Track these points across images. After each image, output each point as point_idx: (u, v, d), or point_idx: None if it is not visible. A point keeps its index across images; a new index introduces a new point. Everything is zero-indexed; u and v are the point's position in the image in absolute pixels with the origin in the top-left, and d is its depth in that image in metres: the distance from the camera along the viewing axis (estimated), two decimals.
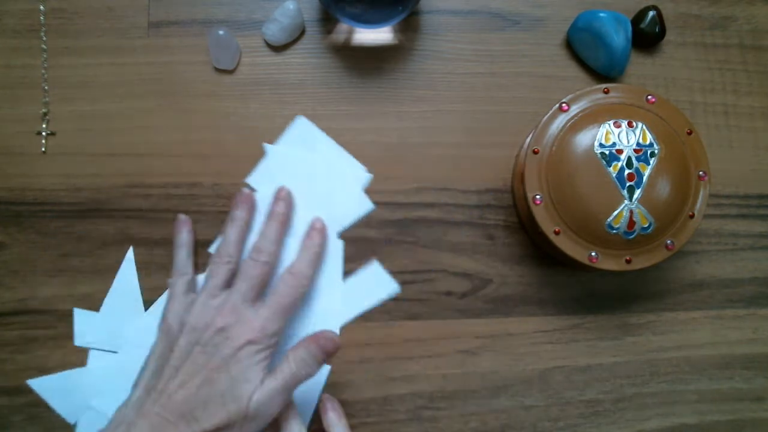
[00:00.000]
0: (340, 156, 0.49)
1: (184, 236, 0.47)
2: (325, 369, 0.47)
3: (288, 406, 0.42)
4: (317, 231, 0.47)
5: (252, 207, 0.47)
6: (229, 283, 0.44)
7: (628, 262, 0.43)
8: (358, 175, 0.49)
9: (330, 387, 0.48)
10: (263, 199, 0.48)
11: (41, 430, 0.47)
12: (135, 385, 0.41)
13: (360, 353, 0.48)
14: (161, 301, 0.48)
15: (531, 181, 0.44)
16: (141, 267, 0.49)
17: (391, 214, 0.50)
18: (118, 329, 0.48)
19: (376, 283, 0.48)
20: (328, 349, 0.42)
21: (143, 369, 0.42)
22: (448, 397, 0.48)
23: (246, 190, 0.47)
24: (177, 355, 0.41)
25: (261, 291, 0.44)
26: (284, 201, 0.47)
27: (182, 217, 0.48)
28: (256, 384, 0.40)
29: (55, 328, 0.48)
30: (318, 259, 0.47)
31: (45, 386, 0.47)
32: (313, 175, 0.49)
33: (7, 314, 0.48)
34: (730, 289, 0.50)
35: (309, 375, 0.42)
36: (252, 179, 0.49)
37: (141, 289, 0.48)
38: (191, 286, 0.46)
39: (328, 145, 0.50)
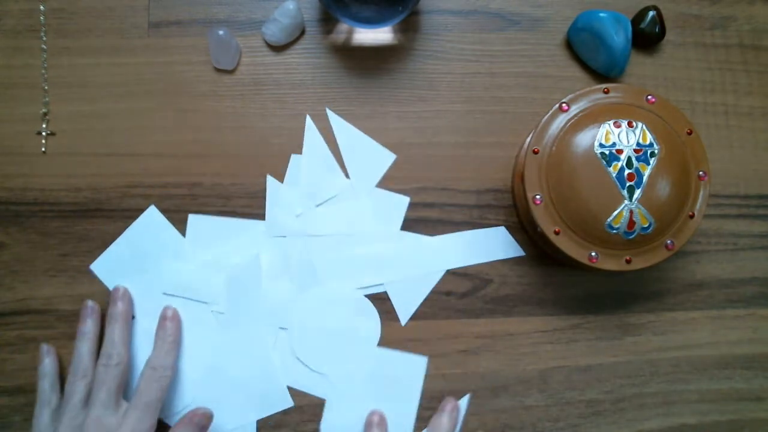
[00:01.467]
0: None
1: (47, 366, 0.46)
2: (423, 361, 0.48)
3: None
4: (169, 320, 0.47)
5: (98, 318, 0.47)
6: (88, 398, 0.43)
7: (628, 262, 0.43)
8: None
9: None
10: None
11: None
12: None
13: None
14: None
15: (531, 181, 0.44)
16: None
17: None
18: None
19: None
20: (204, 425, 0.43)
21: None
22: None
23: (89, 303, 0.47)
24: None
25: (121, 394, 0.44)
26: (121, 300, 0.47)
27: (44, 347, 0.47)
28: None
29: (55, 328, 0.48)
30: (176, 346, 0.46)
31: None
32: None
33: (7, 314, 0.48)
34: (730, 289, 0.50)
35: None
36: (96, 266, 0.48)
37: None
38: (56, 416, 0.44)
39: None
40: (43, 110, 0.50)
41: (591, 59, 0.51)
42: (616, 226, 0.42)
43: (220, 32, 0.49)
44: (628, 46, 0.49)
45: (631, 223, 0.42)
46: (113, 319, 0.46)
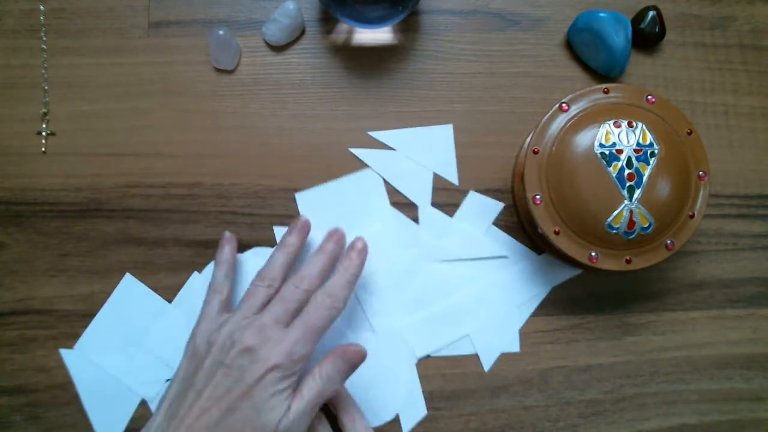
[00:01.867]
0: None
1: (226, 253, 0.46)
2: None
3: (316, 418, 0.41)
4: (356, 251, 0.45)
5: (305, 236, 0.46)
6: (265, 305, 0.43)
7: (628, 262, 0.43)
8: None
9: None
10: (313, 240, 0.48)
11: (41, 430, 0.47)
12: (158, 408, 0.41)
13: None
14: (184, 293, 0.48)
15: (531, 181, 0.44)
16: (141, 267, 0.49)
17: None
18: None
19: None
20: (355, 363, 0.41)
21: (167, 391, 0.41)
22: (448, 397, 0.48)
23: (303, 218, 0.47)
24: (201, 378, 0.40)
25: (294, 317, 0.42)
26: (335, 242, 0.45)
27: (227, 234, 0.47)
28: (281, 411, 0.39)
29: (55, 328, 0.48)
30: (355, 281, 0.44)
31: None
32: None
33: (7, 314, 0.48)
34: (730, 289, 0.50)
35: (334, 390, 0.41)
36: (80, 343, 0.48)
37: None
38: (225, 306, 0.44)
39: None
40: (43, 110, 0.50)
41: (591, 59, 0.51)
42: (616, 226, 0.42)
43: (220, 32, 0.49)
44: (628, 46, 0.49)
45: (631, 223, 0.42)
46: (322, 252, 0.45)
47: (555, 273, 0.49)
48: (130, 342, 0.47)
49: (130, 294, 0.48)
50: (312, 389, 0.40)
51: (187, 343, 0.43)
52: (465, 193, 0.50)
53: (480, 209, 0.49)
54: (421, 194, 0.49)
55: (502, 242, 0.49)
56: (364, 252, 0.45)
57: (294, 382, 0.40)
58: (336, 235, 0.46)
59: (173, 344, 0.46)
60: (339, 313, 0.42)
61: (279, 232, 0.49)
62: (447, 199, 0.50)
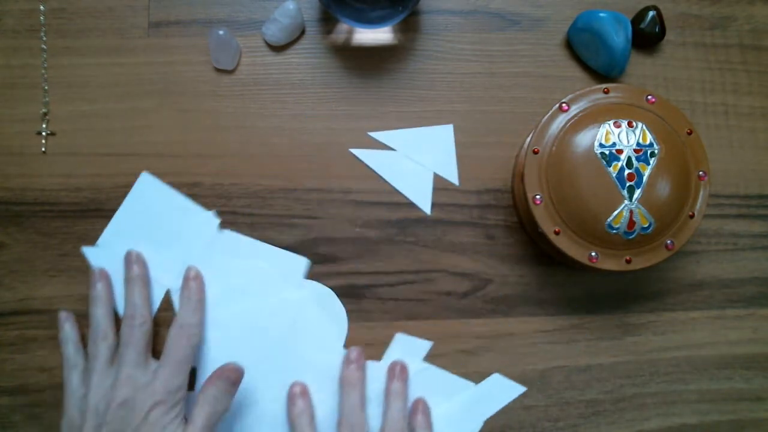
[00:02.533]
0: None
1: (67, 331, 0.46)
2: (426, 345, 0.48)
3: None
4: (192, 279, 0.46)
5: (109, 281, 0.47)
6: (113, 359, 0.44)
7: (628, 262, 0.43)
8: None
9: None
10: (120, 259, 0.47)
11: (41, 430, 0.47)
12: None
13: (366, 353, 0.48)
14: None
15: (531, 181, 0.44)
16: None
17: (391, 214, 0.50)
18: None
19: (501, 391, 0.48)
20: (235, 380, 0.43)
21: None
22: None
23: (96, 270, 0.47)
24: None
25: (149, 353, 0.44)
26: (136, 263, 0.47)
27: (62, 314, 0.47)
28: None
29: (55, 328, 0.48)
30: (201, 305, 0.46)
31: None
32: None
33: (7, 314, 0.48)
34: (730, 289, 0.50)
35: (225, 409, 0.43)
36: (102, 240, 0.48)
37: None
38: (84, 378, 0.44)
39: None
40: (43, 110, 0.50)
41: (591, 59, 0.51)
42: (616, 226, 0.42)
43: (220, 32, 0.49)
44: (628, 46, 0.49)
45: (631, 223, 0.42)
46: (131, 281, 0.46)
47: (490, 402, 0.48)
48: (151, 237, 0.48)
49: (148, 191, 0.49)
50: (201, 414, 0.41)
51: (61, 423, 0.43)
52: (465, 193, 0.50)
53: (408, 350, 0.48)
54: (421, 195, 0.49)
55: (435, 380, 0.48)
56: (199, 277, 0.47)
57: (179, 411, 0.42)
58: (131, 258, 0.47)
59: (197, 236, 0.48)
60: (198, 338, 0.44)
61: (145, 178, 0.49)
62: (447, 199, 0.50)
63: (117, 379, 0.42)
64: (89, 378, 0.43)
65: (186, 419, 0.42)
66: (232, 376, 0.43)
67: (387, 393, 0.46)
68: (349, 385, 0.45)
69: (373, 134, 0.50)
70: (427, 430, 0.45)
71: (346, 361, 0.46)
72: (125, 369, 0.42)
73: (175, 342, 0.43)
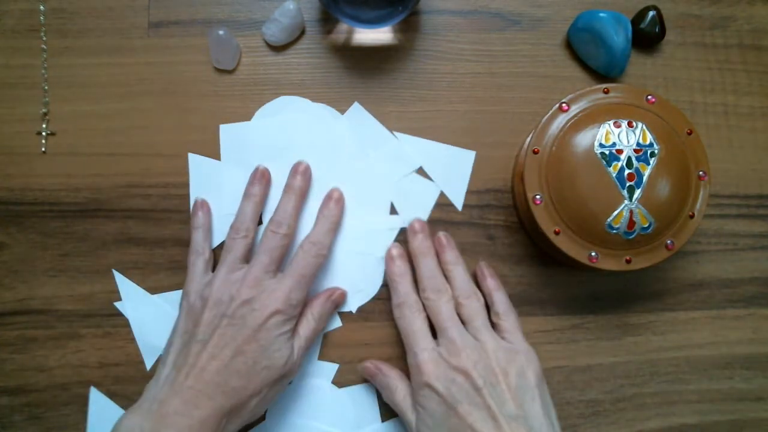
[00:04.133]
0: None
1: (200, 218, 0.47)
2: None
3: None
4: (334, 201, 0.47)
5: (267, 183, 0.48)
6: (247, 256, 0.45)
7: (628, 262, 0.43)
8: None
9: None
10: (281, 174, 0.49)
11: (41, 430, 0.47)
12: (162, 364, 0.42)
13: (361, 353, 0.48)
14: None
15: (531, 181, 0.44)
16: (141, 267, 0.49)
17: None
18: None
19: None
20: (339, 303, 0.48)
21: (167, 348, 0.43)
22: None
23: (261, 167, 0.48)
24: (203, 329, 0.42)
25: (281, 263, 0.45)
26: (302, 175, 0.48)
27: (199, 199, 0.48)
28: (287, 351, 0.43)
29: (55, 328, 0.48)
30: (336, 228, 0.47)
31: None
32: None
33: (7, 314, 0.48)
34: (730, 289, 0.50)
35: (324, 328, 0.47)
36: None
37: (141, 289, 0.48)
38: (209, 266, 0.46)
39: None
40: (43, 110, 0.50)
41: (591, 59, 0.51)
42: (616, 226, 0.42)
43: (220, 32, 0.49)
44: (628, 46, 0.49)
45: (631, 223, 0.42)
46: (291, 191, 0.47)
47: None
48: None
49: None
50: (307, 329, 0.45)
51: (181, 302, 0.45)
52: (465, 193, 0.50)
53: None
54: (421, 207, 0.49)
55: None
56: (341, 201, 0.48)
57: (293, 323, 0.44)
58: (300, 169, 0.48)
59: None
60: (325, 259, 0.46)
61: (193, 158, 0.49)
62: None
63: (245, 278, 0.43)
64: (219, 269, 0.44)
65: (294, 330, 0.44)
66: (338, 300, 0.47)
67: (443, 264, 0.47)
68: (422, 254, 0.46)
69: (399, 134, 0.50)
70: (501, 289, 0.46)
71: (412, 233, 0.47)
72: (256, 270, 0.43)
73: (304, 257, 0.45)
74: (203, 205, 0.48)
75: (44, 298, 0.48)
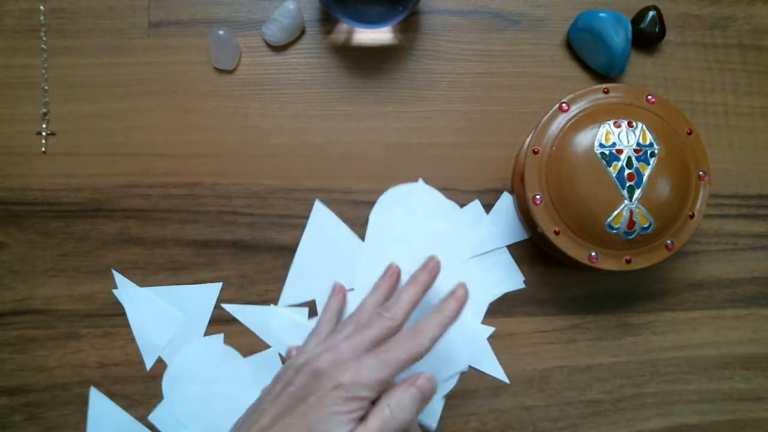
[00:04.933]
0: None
1: (332, 304, 0.47)
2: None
3: None
4: (456, 299, 0.41)
5: (395, 282, 0.46)
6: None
7: (628, 262, 0.43)
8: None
9: None
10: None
11: (41, 430, 0.47)
12: (233, 426, 0.40)
13: None
14: None
15: (531, 181, 0.44)
16: (141, 267, 0.49)
17: None
18: None
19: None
20: (426, 392, 0.38)
21: (247, 408, 0.40)
22: (448, 397, 0.48)
23: (338, 284, 0.48)
24: (269, 398, 0.38)
25: (376, 345, 0.39)
26: (429, 273, 0.43)
27: (336, 286, 0.48)
28: None
29: (55, 328, 0.48)
30: (448, 325, 0.40)
31: None
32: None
33: (7, 314, 0.48)
34: (730, 289, 0.50)
35: (407, 421, 0.37)
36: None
37: (141, 288, 0.48)
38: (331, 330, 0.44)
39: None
40: (43, 110, 0.50)
41: (591, 59, 0.51)
42: (616, 226, 0.42)
43: (220, 32, 0.49)
44: (628, 46, 0.49)
45: (631, 223, 0.42)
46: (416, 283, 0.42)
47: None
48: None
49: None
50: (379, 418, 0.36)
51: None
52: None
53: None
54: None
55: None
56: (463, 300, 0.42)
57: (359, 408, 0.36)
58: (430, 265, 0.44)
59: None
60: (425, 352, 0.39)
61: (319, 205, 0.49)
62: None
63: (327, 348, 0.38)
64: (324, 341, 0.42)
65: (363, 418, 0.37)
66: (426, 388, 0.38)
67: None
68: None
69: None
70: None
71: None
72: (342, 344, 0.38)
73: (402, 340, 0.39)
74: (340, 290, 0.47)
75: (44, 298, 0.48)
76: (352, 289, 0.49)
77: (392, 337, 0.39)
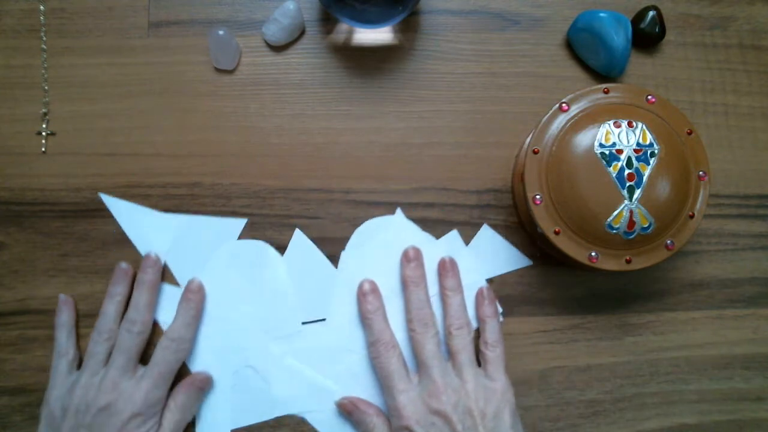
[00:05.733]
0: None
1: (64, 317, 0.47)
2: None
3: None
4: (193, 292, 0.47)
5: (129, 282, 0.47)
6: (107, 359, 0.44)
7: (628, 262, 0.43)
8: None
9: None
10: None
11: None
12: None
13: None
14: None
15: (531, 181, 0.44)
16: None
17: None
18: None
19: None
20: (203, 388, 0.46)
21: None
22: None
23: (122, 265, 0.47)
24: None
25: (138, 359, 0.45)
26: (152, 268, 0.47)
27: (62, 297, 0.47)
28: None
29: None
30: (196, 321, 0.46)
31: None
32: None
33: (7, 314, 0.48)
34: (730, 289, 0.50)
35: (192, 415, 0.45)
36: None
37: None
38: (73, 366, 0.46)
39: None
40: (43, 110, 0.50)
41: (591, 59, 0.51)
42: (616, 226, 0.42)
43: (220, 32, 0.49)
44: (628, 46, 0.49)
45: (631, 223, 0.42)
46: (142, 285, 0.46)
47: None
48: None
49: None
50: (171, 420, 0.44)
51: (41, 409, 0.44)
52: (465, 193, 0.50)
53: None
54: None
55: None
56: (200, 291, 0.47)
57: (155, 423, 0.43)
58: (149, 262, 0.47)
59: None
60: (187, 353, 0.46)
61: (299, 234, 0.49)
62: (447, 199, 0.50)
63: (102, 383, 0.43)
64: (80, 375, 0.44)
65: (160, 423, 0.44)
66: (201, 385, 0.45)
67: (442, 290, 0.46)
68: (413, 283, 0.46)
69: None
70: (495, 318, 0.46)
71: (405, 260, 0.47)
72: (112, 373, 0.43)
73: (163, 355, 0.44)
74: (66, 302, 0.47)
75: (44, 298, 0.48)
76: (324, 319, 0.48)
77: (144, 342, 0.45)
